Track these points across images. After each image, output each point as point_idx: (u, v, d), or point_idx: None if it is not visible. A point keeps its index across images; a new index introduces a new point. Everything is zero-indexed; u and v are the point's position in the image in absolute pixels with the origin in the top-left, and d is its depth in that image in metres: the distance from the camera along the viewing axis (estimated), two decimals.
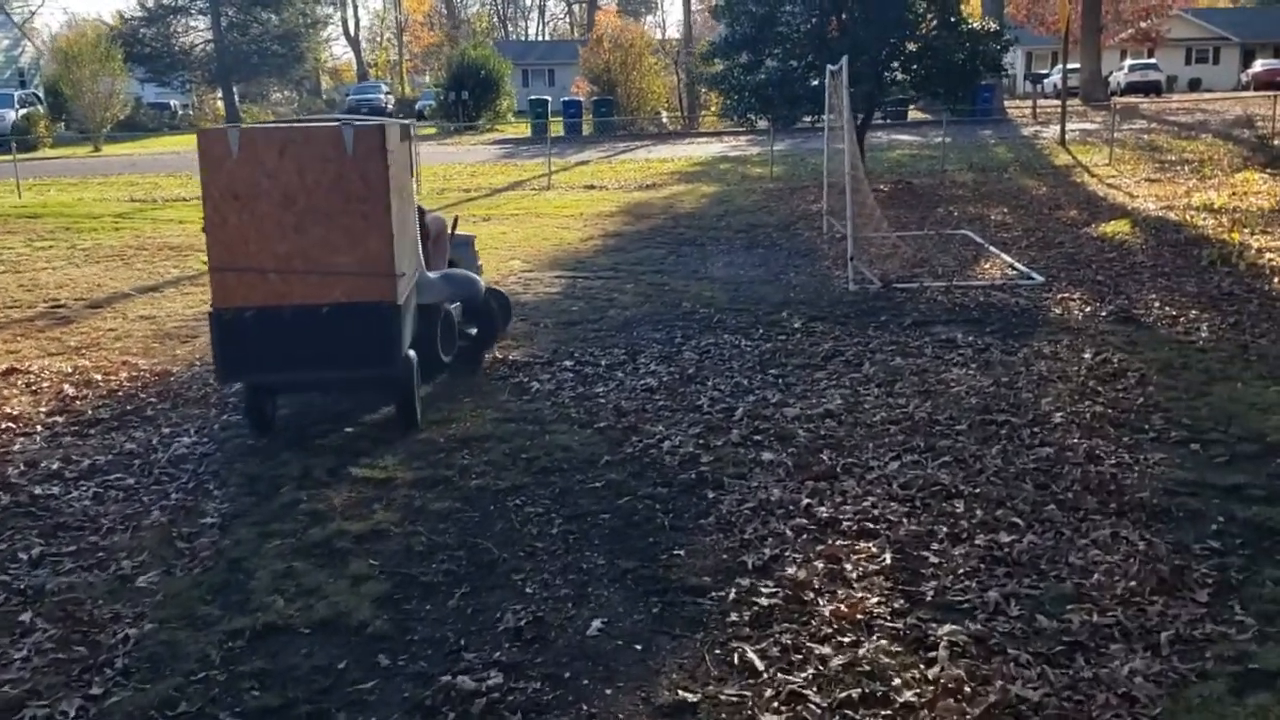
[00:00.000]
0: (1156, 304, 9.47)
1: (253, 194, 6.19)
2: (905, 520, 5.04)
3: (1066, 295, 9.96)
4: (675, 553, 4.77)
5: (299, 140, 6.26)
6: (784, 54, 19.03)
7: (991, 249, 12.65)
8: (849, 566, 4.57)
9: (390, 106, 52.59)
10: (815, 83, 18.71)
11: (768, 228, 15.34)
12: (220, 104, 53.23)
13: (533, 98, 37.38)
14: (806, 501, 5.26)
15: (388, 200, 6.23)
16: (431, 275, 7.80)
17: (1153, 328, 8.68)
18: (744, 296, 10.51)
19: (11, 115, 36.51)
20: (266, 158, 6.19)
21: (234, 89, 54.26)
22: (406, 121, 8.01)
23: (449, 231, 8.87)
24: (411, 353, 6.77)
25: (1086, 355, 7.81)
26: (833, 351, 8.23)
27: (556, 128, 34.11)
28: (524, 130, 37.35)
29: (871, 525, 4.99)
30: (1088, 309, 9.40)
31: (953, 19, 18.88)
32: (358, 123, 6.45)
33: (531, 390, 7.42)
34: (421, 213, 8.86)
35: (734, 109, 19.72)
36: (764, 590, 4.39)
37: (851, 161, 11.77)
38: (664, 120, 34.81)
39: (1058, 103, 33.28)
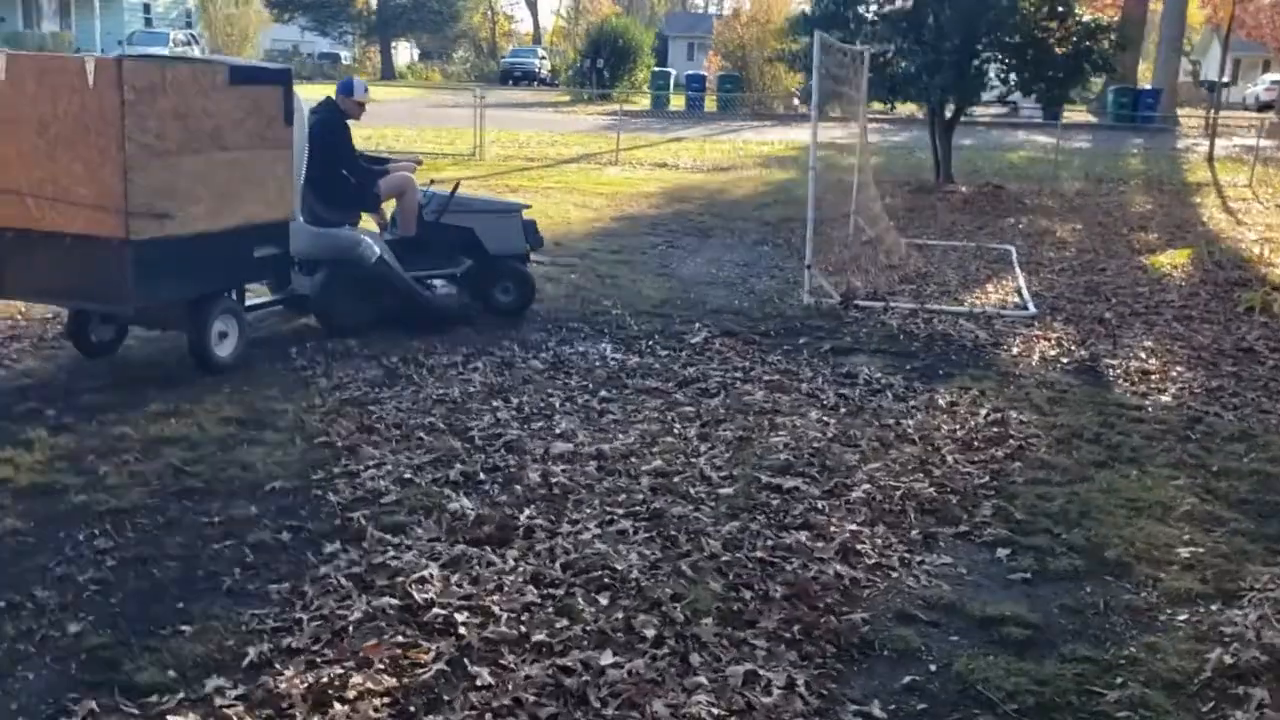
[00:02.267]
0: (1142, 354, 7.88)
1: (14, 118, 6.02)
2: (516, 616, 3.87)
3: (1043, 333, 8.43)
4: (184, 629, 3.74)
5: (53, 69, 6.02)
6: (868, 35, 17.45)
7: (1016, 269, 11.05)
8: (361, 679, 3.45)
9: (544, 72, 52.32)
10: (903, 66, 17.14)
11: (795, 223, 13.93)
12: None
13: (655, 69, 36.20)
14: (423, 575, 4.14)
15: (122, 135, 5.81)
16: (310, 230, 7.48)
17: (1109, 384, 7.15)
18: (684, 300, 9.32)
19: (162, 54, 37.36)
20: (28, 83, 5.99)
21: (391, 43, 54.74)
22: (244, 62, 7.41)
23: (418, 192, 8.25)
24: (234, 296, 6.86)
25: (982, 412, 6.39)
26: (699, 375, 7.01)
27: (679, 102, 32.95)
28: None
29: (462, 619, 3.84)
30: (1053, 353, 7.89)
31: (1061, 9, 16.95)
32: (102, 55, 5.96)
33: (309, 388, 6.45)
34: (369, 172, 8.11)
35: (808, 92, 18.21)
36: (219, 701, 3.32)
37: (819, 157, 10.37)
38: (795, 101, 33.07)
39: (1244, 115, 30.30)
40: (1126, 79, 35.95)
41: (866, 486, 5.18)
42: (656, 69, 36.11)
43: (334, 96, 8.17)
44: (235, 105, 6.51)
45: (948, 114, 17.81)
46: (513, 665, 3.57)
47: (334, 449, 5.46)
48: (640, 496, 4.99)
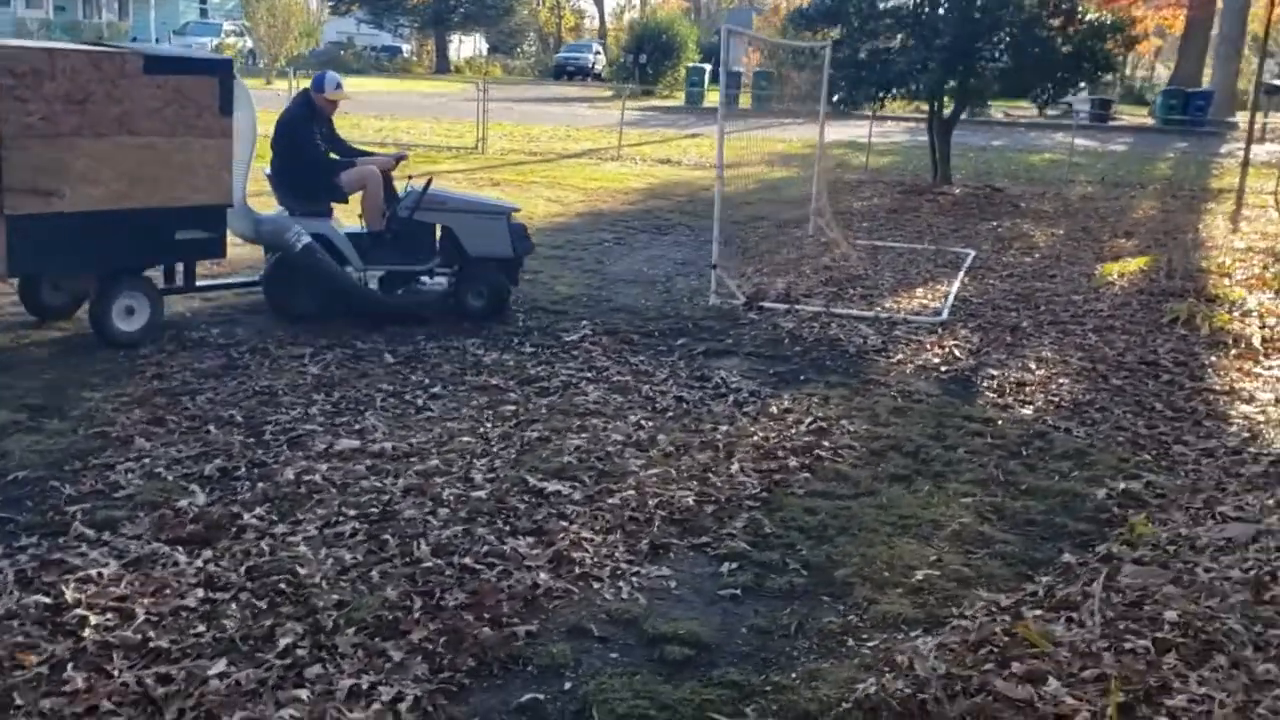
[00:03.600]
0: (1033, 365, 7.56)
1: None
2: (156, 620, 3.76)
3: (940, 341, 8.12)
4: None
5: None
6: (870, 31, 17.14)
7: (960, 274, 10.71)
8: None
9: (599, 67, 52.28)
10: (899, 62, 16.78)
11: (760, 222, 13.72)
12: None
13: (689, 65, 35.96)
14: (91, 573, 4.05)
15: None
16: (252, 214, 7.89)
17: (973, 396, 6.87)
18: (591, 297, 9.16)
19: (210, 44, 37.90)
20: None
21: (447, 37, 55.03)
22: (169, 51, 7.65)
23: (387, 186, 8.31)
24: (154, 280, 7.22)
25: (807, 420, 6.15)
26: (547, 374, 6.86)
27: (714, 98, 32.58)
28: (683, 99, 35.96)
29: (96, 621, 3.73)
30: (935, 361, 7.60)
31: (1065, 5, 16.45)
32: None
33: (133, 377, 6.40)
34: (333, 163, 8.13)
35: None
36: None
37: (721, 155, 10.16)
38: (833, 98, 32.51)
39: None
40: (1189, 81, 35.02)
41: (629, 493, 4.99)
42: (691, 65, 35.90)
43: (309, 90, 8.32)
44: (150, 94, 6.80)
45: (946, 113, 17.39)
46: (114, 671, 3.45)
47: (107, 440, 5.40)
48: (386, 498, 4.85)
